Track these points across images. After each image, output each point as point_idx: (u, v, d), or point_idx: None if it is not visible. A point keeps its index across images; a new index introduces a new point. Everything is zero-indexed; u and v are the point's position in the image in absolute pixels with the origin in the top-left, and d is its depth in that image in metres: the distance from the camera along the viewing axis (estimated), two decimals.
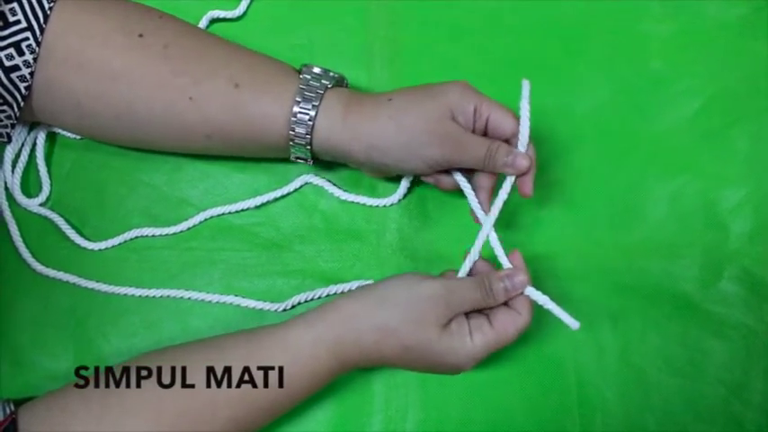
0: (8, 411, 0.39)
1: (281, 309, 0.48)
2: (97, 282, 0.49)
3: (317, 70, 0.44)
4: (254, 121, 0.43)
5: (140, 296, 0.49)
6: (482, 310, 0.42)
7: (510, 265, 0.42)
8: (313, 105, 0.42)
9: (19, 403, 0.40)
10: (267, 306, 0.49)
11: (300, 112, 0.42)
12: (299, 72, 0.44)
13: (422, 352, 0.40)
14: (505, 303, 0.42)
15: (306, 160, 0.45)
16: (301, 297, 0.48)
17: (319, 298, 0.48)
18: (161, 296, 0.49)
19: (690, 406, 0.48)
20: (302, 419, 0.47)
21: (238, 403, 0.39)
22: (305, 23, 0.53)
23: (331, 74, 0.44)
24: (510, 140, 0.43)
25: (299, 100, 0.42)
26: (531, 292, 0.41)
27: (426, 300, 0.40)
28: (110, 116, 0.44)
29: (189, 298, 0.49)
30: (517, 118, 0.42)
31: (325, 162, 0.49)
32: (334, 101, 0.43)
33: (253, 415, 0.40)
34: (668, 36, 0.53)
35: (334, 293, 0.48)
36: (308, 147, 0.43)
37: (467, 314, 0.41)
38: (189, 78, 0.43)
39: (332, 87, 0.44)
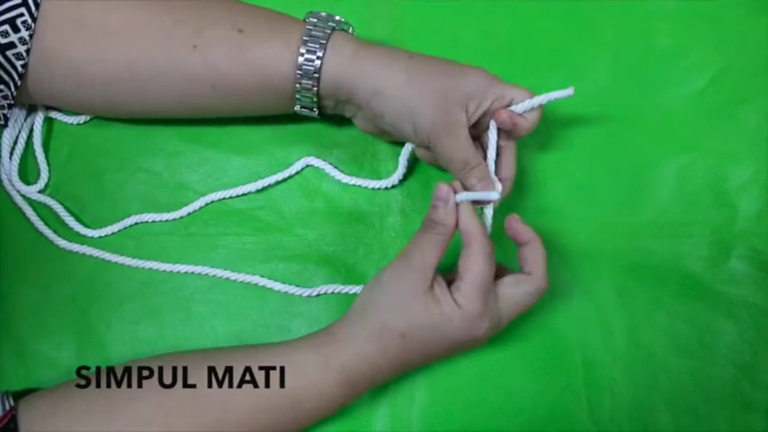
0: (8, 406, 0.39)
1: (305, 294, 0.48)
2: (122, 256, 0.48)
3: (323, 14, 0.43)
4: (260, 66, 0.42)
5: (170, 272, 0.48)
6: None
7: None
8: (321, 44, 0.41)
9: (18, 396, 0.40)
10: (294, 290, 0.48)
11: (309, 51, 0.41)
12: (305, 19, 0.44)
13: (419, 332, 0.39)
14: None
15: (311, 109, 0.44)
16: (328, 288, 0.48)
17: (346, 294, 0.48)
18: (192, 272, 0.48)
19: (699, 386, 0.48)
20: None
21: (250, 423, 0.39)
22: (305, 1, 0.52)
23: (338, 18, 0.44)
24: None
25: (307, 39, 0.41)
26: (465, 195, 0.40)
27: (391, 280, 0.40)
28: (110, 78, 0.43)
29: (214, 276, 0.48)
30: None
31: (326, 142, 0.49)
32: (342, 40, 0.42)
33: None
34: (674, 12, 0.52)
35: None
36: (315, 88, 0.42)
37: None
38: (192, 27, 0.42)
39: (339, 30, 0.43)
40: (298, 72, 0.42)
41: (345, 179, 0.49)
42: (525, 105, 0.42)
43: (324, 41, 0.41)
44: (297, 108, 0.44)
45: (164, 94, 0.44)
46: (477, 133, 0.43)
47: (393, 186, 0.49)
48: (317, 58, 0.41)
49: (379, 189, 0.49)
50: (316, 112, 0.45)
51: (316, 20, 0.43)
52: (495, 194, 0.40)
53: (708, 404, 0.47)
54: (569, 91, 0.42)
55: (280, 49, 0.42)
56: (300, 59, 0.41)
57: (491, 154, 0.43)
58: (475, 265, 0.39)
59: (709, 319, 0.48)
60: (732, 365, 0.48)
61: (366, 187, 0.49)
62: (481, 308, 0.39)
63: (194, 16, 0.42)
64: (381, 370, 0.41)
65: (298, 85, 0.42)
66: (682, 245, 0.49)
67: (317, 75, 0.42)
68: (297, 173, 0.50)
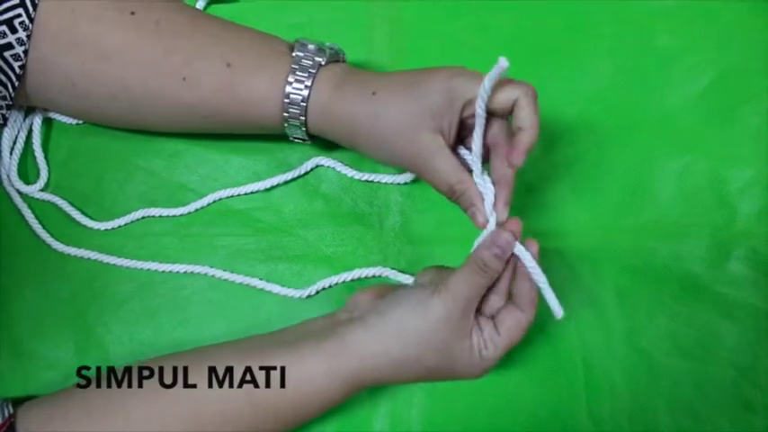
0: (7, 414, 0.39)
1: (304, 295, 0.48)
2: (118, 257, 0.48)
3: (311, 47, 0.43)
4: (249, 103, 0.43)
5: (168, 272, 0.48)
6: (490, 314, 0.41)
7: (493, 226, 0.40)
8: (306, 86, 0.41)
9: (18, 403, 0.40)
10: (291, 293, 0.48)
11: (293, 93, 0.41)
12: (292, 48, 0.43)
13: (441, 371, 0.39)
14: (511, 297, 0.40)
15: (303, 140, 0.45)
16: (324, 283, 0.48)
17: (343, 282, 0.48)
18: (191, 272, 0.48)
19: (699, 389, 0.48)
20: None
21: (248, 424, 0.39)
22: (305, 2, 0.52)
23: (326, 49, 0.43)
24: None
25: (291, 81, 0.41)
26: (521, 251, 0.39)
27: (442, 322, 0.38)
28: (105, 96, 0.43)
29: (212, 276, 0.48)
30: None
31: (325, 143, 0.48)
32: (324, 84, 0.42)
33: None
34: (674, 12, 0.52)
35: (357, 278, 0.48)
36: (304, 128, 0.43)
37: (478, 320, 0.40)
38: (181, 57, 0.42)
39: (325, 65, 0.42)
40: (285, 114, 0.42)
41: (358, 175, 0.49)
42: (479, 115, 0.38)
43: (309, 84, 0.41)
44: (291, 138, 0.45)
45: (158, 116, 0.44)
46: (466, 132, 0.41)
47: (405, 183, 0.49)
48: (302, 100, 0.41)
49: (392, 184, 0.49)
50: (309, 141, 0.45)
51: (302, 55, 0.42)
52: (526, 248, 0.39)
53: (708, 406, 0.47)
54: (502, 64, 0.36)
55: (267, 90, 0.42)
56: (286, 101, 0.42)
57: (476, 176, 0.40)
58: (517, 331, 0.39)
59: (709, 320, 0.48)
60: (732, 367, 0.48)
61: (380, 182, 0.49)
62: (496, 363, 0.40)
63: (184, 44, 0.42)
64: (387, 380, 0.40)
65: (286, 123, 0.43)
66: (682, 246, 0.49)
67: (303, 117, 0.42)
68: (306, 173, 0.49)
